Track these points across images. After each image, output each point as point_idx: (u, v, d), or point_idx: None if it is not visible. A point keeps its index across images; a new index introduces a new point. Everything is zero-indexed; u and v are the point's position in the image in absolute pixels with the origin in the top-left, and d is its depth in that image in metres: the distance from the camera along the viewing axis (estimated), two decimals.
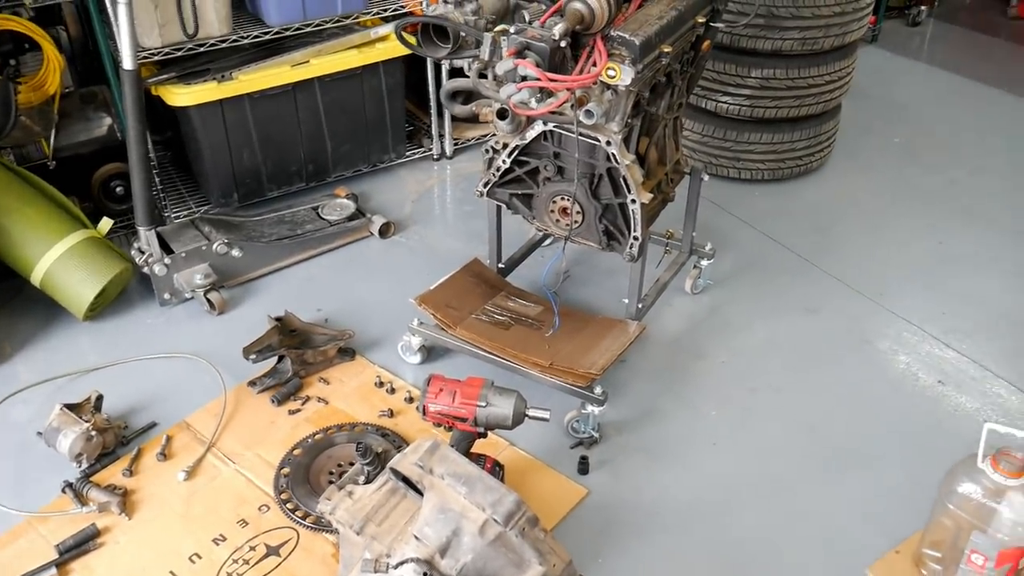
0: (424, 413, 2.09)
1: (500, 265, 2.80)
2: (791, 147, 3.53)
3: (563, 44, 1.99)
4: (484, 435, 2.13)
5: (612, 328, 2.55)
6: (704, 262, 2.93)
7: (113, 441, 2.38)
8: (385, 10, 3.45)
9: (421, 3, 3.51)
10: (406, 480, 1.83)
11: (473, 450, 2.15)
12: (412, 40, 2.22)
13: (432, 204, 3.56)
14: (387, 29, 3.44)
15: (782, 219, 3.43)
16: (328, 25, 3.27)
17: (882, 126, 4.13)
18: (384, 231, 3.29)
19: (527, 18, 2.23)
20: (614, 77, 2.06)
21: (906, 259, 3.21)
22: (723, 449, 2.43)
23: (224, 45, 3.11)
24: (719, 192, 3.54)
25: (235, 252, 2.99)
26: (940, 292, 3.04)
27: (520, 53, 1.98)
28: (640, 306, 2.58)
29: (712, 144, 3.55)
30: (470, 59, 2.20)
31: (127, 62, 2.58)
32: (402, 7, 3.51)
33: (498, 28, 2.08)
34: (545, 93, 2.00)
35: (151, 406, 2.55)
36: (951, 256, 3.24)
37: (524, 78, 1.97)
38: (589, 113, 2.08)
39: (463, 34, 2.13)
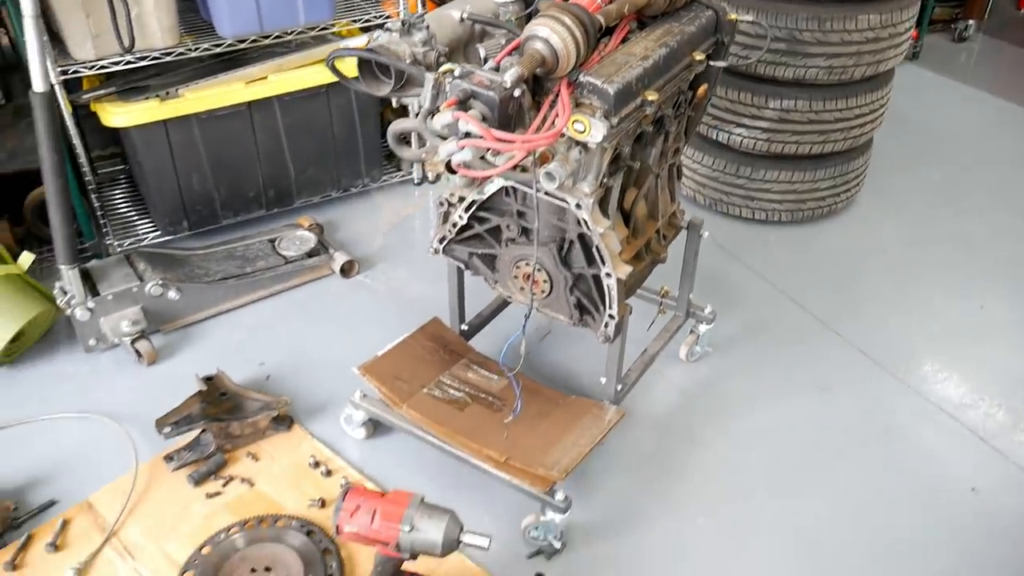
0: (338, 532, 1.73)
1: (463, 327, 2.42)
2: (813, 187, 3.11)
3: (517, 93, 1.60)
4: (414, 557, 1.77)
5: (585, 414, 2.17)
6: (703, 327, 2.54)
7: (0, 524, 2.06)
8: (360, 19, 3.08)
9: (400, 10, 3.14)
10: None
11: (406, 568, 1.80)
12: (352, 74, 1.85)
13: (405, 237, 3.19)
14: (361, 40, 3.07)
15: (799, 271, 3.01)
16: (290, 37, 2.90)
17: (920, 160, 3.68)
18: (346, 270, 2.92)
19: (483, 54, 1.85)
20: (583, 132, 1.68)
21: (940, 327, 2.77)
22: (708, 571, 2.05)
23: (170, 59, 2.76)
24: (729, 234, 3.13)
25: (171, 294, 2.64)
26: (980, 371, 2.60)
27: (463, 103, 1.60)
28: (620, 388, 2.19)
29: (723, 180, 3.13)
30: (416, 98, 1.84)
31: (37, 83, 2.24)
32: (382, 14, 3.14)
33: (443, 68, 1.70)
34: (495, 151, 1.62)
35: (54, 478, 2.22)
36: (994, 325, 2.79)
37: (468, 134, 1.59)
38: (550, 176, 1.70)
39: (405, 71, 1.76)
